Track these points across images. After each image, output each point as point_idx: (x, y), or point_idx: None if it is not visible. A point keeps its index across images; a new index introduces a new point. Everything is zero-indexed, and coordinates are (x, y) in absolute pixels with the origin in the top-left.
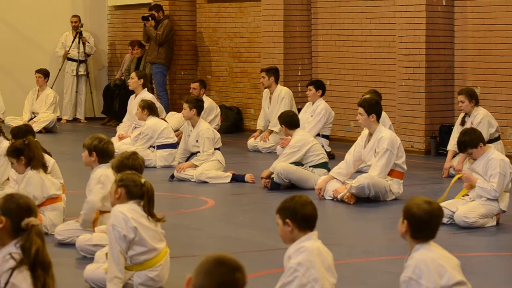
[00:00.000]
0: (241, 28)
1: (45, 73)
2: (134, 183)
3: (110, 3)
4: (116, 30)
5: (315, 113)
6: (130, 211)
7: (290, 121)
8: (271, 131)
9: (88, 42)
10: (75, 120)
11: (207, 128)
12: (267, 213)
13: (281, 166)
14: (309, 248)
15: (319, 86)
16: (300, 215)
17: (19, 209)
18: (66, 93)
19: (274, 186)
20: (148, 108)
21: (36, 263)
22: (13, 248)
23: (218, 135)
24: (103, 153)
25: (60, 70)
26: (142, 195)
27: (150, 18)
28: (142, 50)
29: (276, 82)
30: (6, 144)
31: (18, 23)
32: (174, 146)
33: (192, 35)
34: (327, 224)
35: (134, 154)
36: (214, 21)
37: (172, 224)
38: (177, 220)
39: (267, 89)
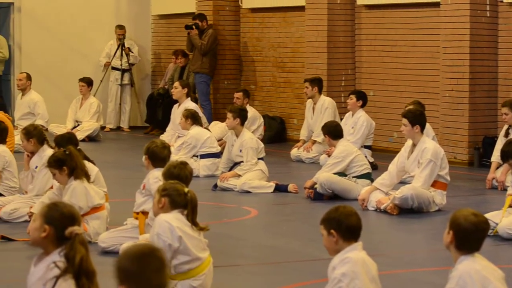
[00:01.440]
0: (285, 38)
1: (88, 82)
2: (177, 193)
3: (154, 12)
4: (160, 39)
5: (357, 126)
6: (175, 220)
7: (334, 131)
8: (314, 142)
9: (132, 52)
10: (119, 128)
11: (250, 137)
12: (310, 223)
13: (325, 177)
14: (353, 259)
15: (361, 97)
16: (345, 225)
17: (63, 218)
18: (110, 102)
19: (317, 196)
20: (192, 118)
21: (81, 272)
22: (57, 257)
23: (262, 144)
24: (155, 157)
25: (102, 79)
26: (186, 204)
27: (193, 27)
28: (185, 60)
29: (320, 92)
30: (49, 152)
31: (62, 31)
32: (217, 155)
33: (236, 45)
34: (370, 235)
35: (182, 164)
36: (258, 31)
37: (215, 233)
38: (220, 230)
39: (310, 99)
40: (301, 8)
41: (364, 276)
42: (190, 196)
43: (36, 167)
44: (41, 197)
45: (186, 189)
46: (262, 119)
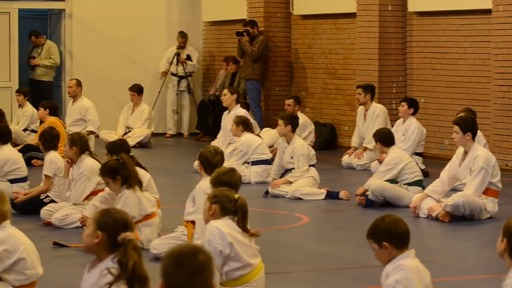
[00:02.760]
0: (336, 45)
1: (138, 90)
2: (227, 199)
3: (205, 18)
4: (211, 45)
5: (408, 133)
6: (226, 226)
7: (385, 138)
8: (366, 148)
9: (191, 61)
10: (180, 135)
11: (302, 144)
12: (362, 230)
13: (376, 184)
14: (407, 266)
15: (412, 104)
16: (396, 235)
17: (116, 224)
18: (168, 108)
19: (369, 203)
20: (243, 124)
21: (134, 278)
22: (110, 263)
23: (313, 151)
24: (207, 162)
25: (161, 88)
26: (236, 211)
27: (244, 34)
28: (236, 66)
29: (372, 99)
30: (88, 161)
31: (113, 38)
32: (268, 162)
33: (287, 52)
34: (422, 242)
35: (231, 170)
36: (309, 38)
37: (266, 240)
38: (271, 236)
39: (362, 106)
40: (352, 15)
41: (417, 284)
42: (240, 203)
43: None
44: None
45: (236, 196)
46: (313, 126)
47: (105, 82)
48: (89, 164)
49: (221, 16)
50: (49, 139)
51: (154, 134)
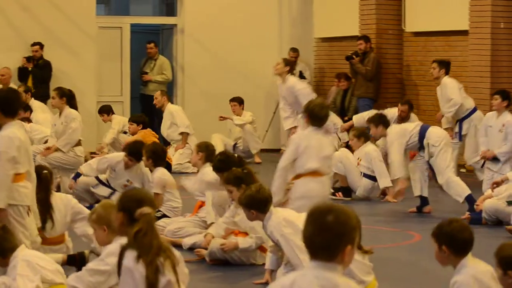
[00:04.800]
0: None
1: (239, 101)
2: None
3: (316, 35)
4: (322, 62)
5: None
6: None
7: None
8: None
9: (304, 78)
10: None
11: None
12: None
13: (490, 203)
14: (461, 282)
15: (507, 96)
16: (457, 241)
17: (130, 201)
18: (281, 124)
19: (475, 221)
20: (364, 136)
21: (152, 250)
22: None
23: None
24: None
25: (277, 106)
26: None
27: (354, 56)
28: (348, 83)
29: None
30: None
31: (225, 53)
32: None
33: (399, 68)
34: None
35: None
36: (421, 55)
37: (380, 257)
38: (385, 254)
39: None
40: (464, 32)
41: None
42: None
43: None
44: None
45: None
46: None
47: (216, 98)
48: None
49: (333, 33)
50: (161, 155)
51: (267, 150)
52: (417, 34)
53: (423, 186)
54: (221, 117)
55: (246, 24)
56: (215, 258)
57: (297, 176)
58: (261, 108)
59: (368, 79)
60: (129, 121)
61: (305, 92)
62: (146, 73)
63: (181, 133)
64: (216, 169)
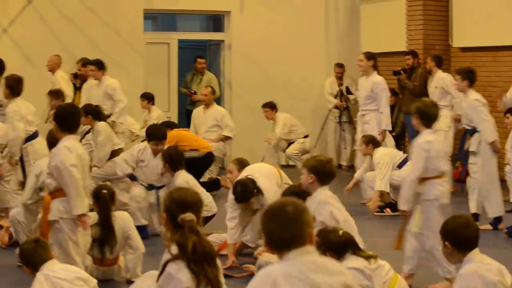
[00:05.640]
0: (495, 78)
1: (271, 106)
2: None
3: (364, 50)
4: None
5: None
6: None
7: None
8: None
9: (351, 93)
10: (339, 166)
11: None
12: None
13: None
14: (465, 275)
15: None
16: (459, 238)
17: (174, 205)
18: (329, 139)
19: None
20: (373, 143)
21: (197, 257)
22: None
23: None
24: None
25: (325, 121)
26: None
27: (401, 72)
28: (395, 98)
29: None
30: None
31: (272, 68)
32: None
33: None
34: None
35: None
36: None
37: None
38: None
39: None
40: None
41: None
42: None
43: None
44: None
45: None
46: None
47: (262, 114)
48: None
49: (380, 48)
50: (177, 159)
51: None
52: (465, 49)
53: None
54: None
55: (293, 39)
56: None
57: (422, 180)
58: (309, 123)
59: (415, 94)
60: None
61: (388, 93)
62: (195, 92)
63: (225, 137)
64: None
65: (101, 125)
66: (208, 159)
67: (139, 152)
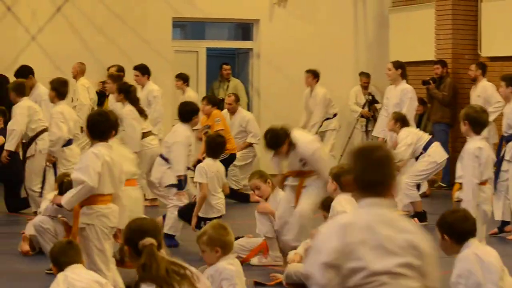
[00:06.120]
0: None
1: (314, 73)
2: None
3: (392, 59)
4: None
5: None
6: None
7: None
8: None
9: (377, 102)
10: None
11: None
12: None
13: None
14: (464, 256)
15: None
16: (457, 231)
17: (132, 234)
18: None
19: None
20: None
21: (160, 280)
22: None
23: None
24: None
25: (352, 131)
26: None
27: (431, 82)
28: (423, 107)
29: None
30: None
31: (301, 77)
32: None
33: None
34: None
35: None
36: (497, 80)
37: None
38: None
39: None
40: None
41: (479, 272)
42: None
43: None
44: None
45: None
46: None
47: (292, 122)
48: None
49: (409, 57)
50: (214, 147)
51: None
52: (493, 59)
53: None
54: None
55: (322, 49)
56: (292, 282)
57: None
58: (336, 132)
59: (445, 104)
60: (203, 99)
61: (414, 103)
62: (223, 99)
63: (248, 143)
64: None
65: (126, 110)
66: (230, 160)
67: (188, 139)
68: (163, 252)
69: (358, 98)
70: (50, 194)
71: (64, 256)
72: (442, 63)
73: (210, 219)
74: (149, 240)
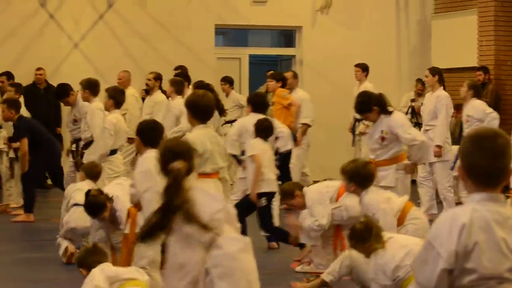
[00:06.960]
0: None
1: (363, 67)
2: None
3: (434, 65)
4: None
5: None
6: None
7: None
8: None
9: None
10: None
11: None
12: None
13: None
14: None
15: None
16: (361, 175)
17: (166, 153)
18: None
19: None
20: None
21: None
22: None
23: None
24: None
25: None
26: None
27: None
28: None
29: None
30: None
31: (344, 84)
32: None
33: None
34: None
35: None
36: None
37: None
38: None
39: None
40: None
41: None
42: None
43: None
44: None
45: None
46: None
47: (335, 129)
48: None
49: (451, 64)
50: (262, 130)
51: None
52: None
53: None
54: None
55: (365, 55)
56: None
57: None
58: None
59: None
60: (268, 77)
61: (449, 109)
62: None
63: (303, 124)
64: None
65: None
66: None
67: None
68: (194, 176)
69: (407, 104)
70: (81, 183)
71: (91, 257)
72: (484, 69)
73: (267, 194)
74: (178, 165)
